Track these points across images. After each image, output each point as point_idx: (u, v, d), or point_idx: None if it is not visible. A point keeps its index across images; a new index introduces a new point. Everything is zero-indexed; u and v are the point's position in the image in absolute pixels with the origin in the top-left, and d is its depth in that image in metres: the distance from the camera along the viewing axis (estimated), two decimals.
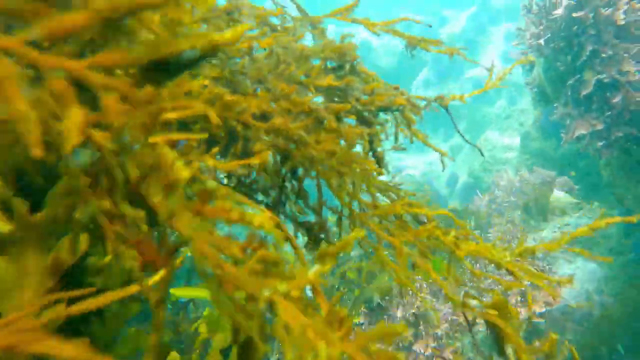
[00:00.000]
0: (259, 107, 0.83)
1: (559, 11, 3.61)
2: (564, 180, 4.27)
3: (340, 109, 0.84)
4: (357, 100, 0.95)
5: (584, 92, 3.44)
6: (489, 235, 4.17)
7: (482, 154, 1.57)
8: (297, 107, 0.85)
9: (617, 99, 3.27)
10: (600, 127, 3.29)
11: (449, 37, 11.12)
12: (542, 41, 3.70)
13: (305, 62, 0.90)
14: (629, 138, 3.23)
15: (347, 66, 0.92)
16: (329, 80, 0.84)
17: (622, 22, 3.34)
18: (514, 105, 8.58)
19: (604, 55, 3.39)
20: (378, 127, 0.97)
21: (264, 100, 0.82)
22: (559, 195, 4.17)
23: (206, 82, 0.83)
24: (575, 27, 3.53)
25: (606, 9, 3.43)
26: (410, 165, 9.42)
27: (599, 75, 3.41)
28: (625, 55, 3.33)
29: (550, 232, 4.01)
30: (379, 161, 1.00)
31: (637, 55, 3.31)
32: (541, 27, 3.75)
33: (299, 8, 1.05)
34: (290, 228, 1.00)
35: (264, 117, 0.86)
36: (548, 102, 3.86)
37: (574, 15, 3.49)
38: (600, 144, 3.27)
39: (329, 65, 0.92)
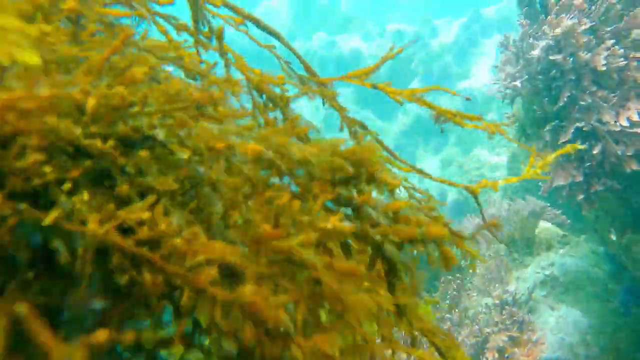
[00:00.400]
0: (223, 257, 0.48)
1: (536, 52, 3.43)
2: (554, 214, 4.11)
3: (349, 271, 0.50)
4: (375, 226, 0.61)
5: (562, 140, 3.27)
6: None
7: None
8: (283, 254, 0.51)
9: (596, 150, 3.11)
10: (579, 178, 3.11)
11: (440, 46, 11.08)
12: (518, 83, 3.52)
13: (304, 167, 0.56)
14: (610, 190, 3.07)
15: (364, 176, 0.59)
16: (334, 220, 0.50)
17: (603, 68, 3.20)
18: (504, 119, 8.53)
19: (582, 102, 3.23)
20: (400, 268, 0.64)
21: (234, 252, 0.47)
22: (545, 226, 4.01)
23: (150, 212, 0.47)
24: (554, 70, 3.36)
25: (586, 52, 3.28)
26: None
27: (577, 123, 3.24)
28: (605, 104, 3.19)
29: (533, 271, 3.80)
30: (401, 312, 0.66)
31: (617, 104, 3.17)
32: (518, 67, 3.57)
33: (306, 67, 0.72)
34: None
35: (230, 272, 0.51)
36: (529, 138, 3.68)
37: (552, 58, 3.32)
38: (581, 197, 3.09)
39: (338, 175, 0.58)
